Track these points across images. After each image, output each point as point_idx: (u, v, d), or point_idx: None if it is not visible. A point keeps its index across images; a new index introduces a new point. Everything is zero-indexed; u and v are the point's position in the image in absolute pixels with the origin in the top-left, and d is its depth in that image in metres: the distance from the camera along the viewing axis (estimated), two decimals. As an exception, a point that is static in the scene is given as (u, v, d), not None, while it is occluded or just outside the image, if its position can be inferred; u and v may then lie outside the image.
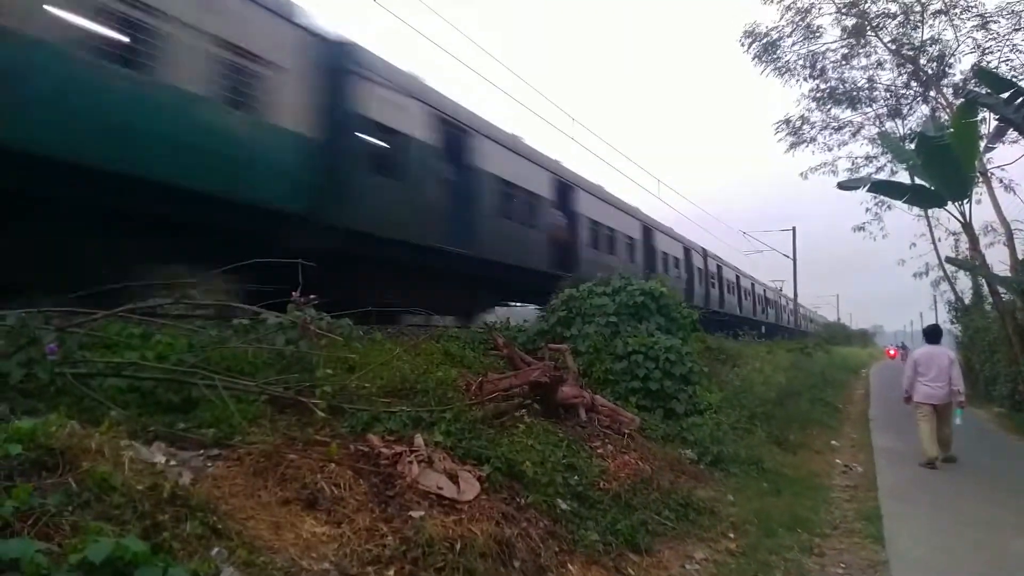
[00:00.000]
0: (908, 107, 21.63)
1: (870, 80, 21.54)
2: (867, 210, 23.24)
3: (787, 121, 22.72)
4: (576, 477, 5.16)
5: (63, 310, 4.22)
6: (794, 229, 41.23)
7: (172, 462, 3.29)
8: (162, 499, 2.66)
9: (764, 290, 43.29)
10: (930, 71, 19.89)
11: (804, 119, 22.51)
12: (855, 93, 21.74)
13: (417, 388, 5.72)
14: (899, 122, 21.95)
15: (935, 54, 19.47)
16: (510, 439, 5.24)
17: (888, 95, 21.61)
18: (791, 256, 40.33)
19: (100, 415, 3.57)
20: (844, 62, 21.17)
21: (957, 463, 9.18)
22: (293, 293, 4.92)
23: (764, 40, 20.88)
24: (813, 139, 22.73)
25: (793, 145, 22.82)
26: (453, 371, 6.69)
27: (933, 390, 9.06)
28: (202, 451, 3.58)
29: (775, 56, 21.13)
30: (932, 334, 9.94)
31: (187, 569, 2.30)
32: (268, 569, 2.71)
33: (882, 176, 21.18)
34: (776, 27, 20.66)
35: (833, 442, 11.62)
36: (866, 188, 16.38)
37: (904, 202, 16.26)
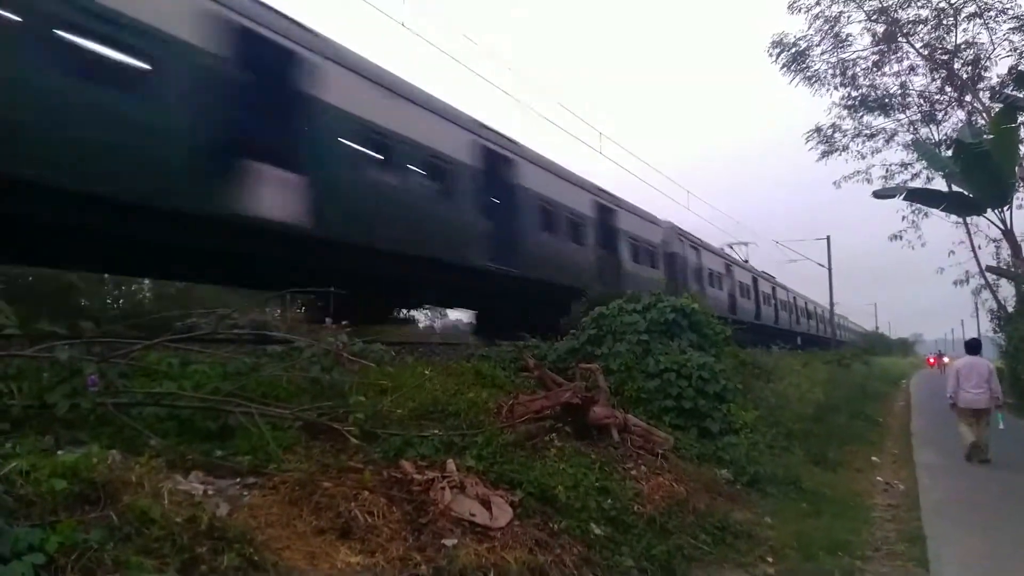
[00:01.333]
0: (943, 112, 21.31)
1: (903, 86, 21.26)
2: (903, 218, 22.80)
3: (818, 130, 22.50)
4: (610, 501, 5.11)
5: (104, 340, 4.34)
6: (828, 238, 40.49)
7: (210, 491, 3.35)
8: (200, 531, 2.71)
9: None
10: (965, 75, 19.56)
11: (836, 127, 22.26)
12: (887, 100, 21.45)
13: (449, 411, 5.76)
14: (934, 128, 21.61)
15: (970, 58, 19.17)
16: (542, 463, 5.22)
17: (922, 101, 21.30)
18: (826, 265, 39.59)
19: (140, 444, 3.66)
20: (875, 69, 20.96)
21: (1007, 481, 8.94)
22: (327, 319, 5.00)
23: (792, 50, 20.73)
24: (846, 147, 22.47)
25: (825, 154, 22.59)
26: (484, 392, 6.70)
27: (974, 396, 9.93)
28: (238, 479, 3.64)
29: (804, 65, 20.96)
30: (973, 346, 10.89)
31: (225, 603, 2.34)
32: (304, 601, 2.73)
33: (918, 183, 20.84)
34: (804, 36, 20.53)
35: (874, 458, 11.32)
36: (902, 196, 16.12)
37: (942, 210, 15.95)
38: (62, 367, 3.77)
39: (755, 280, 31.28)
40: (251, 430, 4.00)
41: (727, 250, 29.73)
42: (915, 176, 21.85)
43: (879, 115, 21.90)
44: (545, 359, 8.99)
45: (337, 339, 4.90)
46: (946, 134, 20.58)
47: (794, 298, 39.10)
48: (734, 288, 27.45)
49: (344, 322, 5.06)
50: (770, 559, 5.47)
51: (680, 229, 22.25)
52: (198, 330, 4.57)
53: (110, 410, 3.81)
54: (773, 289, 34.64)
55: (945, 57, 19.38)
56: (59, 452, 3.10)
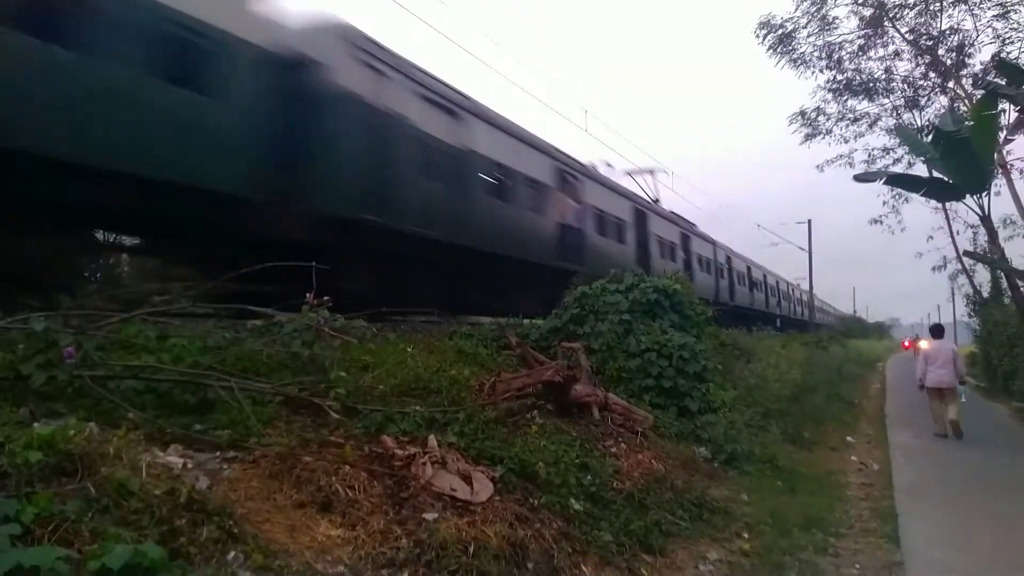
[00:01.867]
0: (926, 98, 21.38)
1: (887, 71, 21.29)
2: (884, 203, 23.01)
3: (802, 113, 22.51)
4: (589, 477, 5.17)
5: (81, 312, 4.27)
6: (809, 222, 40.90)
7: (189, 464, 3.33)
8: (179, 504, 2.70)
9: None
10: (949, 62, 19.63)
11: (820, 110, 22.29)
12: (872, 84, 21.48)
13: (431, 388, 5.76)
14: (917, 113, 21.71)
15: (954, 44, 19.22)
16: (523, 439, 5.25)
17: (906, 86, 21.36)
18: (807, 249, 39.98)
19: (118, 417, 3.62)
20: (861, 53, 20.94)
21: (977, 460, 9.18)
22: (307, 294, 4.96)
23: (779, 32, 20.67)
24: (829, 131, 22.50)
25: (808, 137, 22.61)
26: (466, 370, 6.71)
27: (939, 376, 11.01)
28: (218, 453, 3.62)
29: (790, 48, 20.92)
30: (937, 331, 12.15)
31: (204, 575, 2.33)
32: (284, 573, 2.74)
33: (899, 168, 20.98)
34: (791, 18, 20.47)
35: (849, 438, 11.54)
36: (883, 181, 16.22)
37: (921, 195, 16.09)
38: (38, 338, 3.71)
39: (685, 238, 24.09)
40: (231, 404, 3.97)
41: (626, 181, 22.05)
42: (897, 161, 21.97)
43: (863, 99, 21.93)
44: (527, 338, 9.01)
45: (319, 314, 4.87)
46: (928, 120, 20.66)
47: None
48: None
49: (325, 298, 5.01)
50: (746, 535, 5.58)
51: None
52: (177, 304, 4.52)
53: (87, 382, 3.76)
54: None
55: (930, 43, 19.43)
56: (35, 424, 3.06)
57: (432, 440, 4.53)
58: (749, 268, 34.21)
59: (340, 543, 3.18)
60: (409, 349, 6.82)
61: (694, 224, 25.87)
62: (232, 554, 2.64)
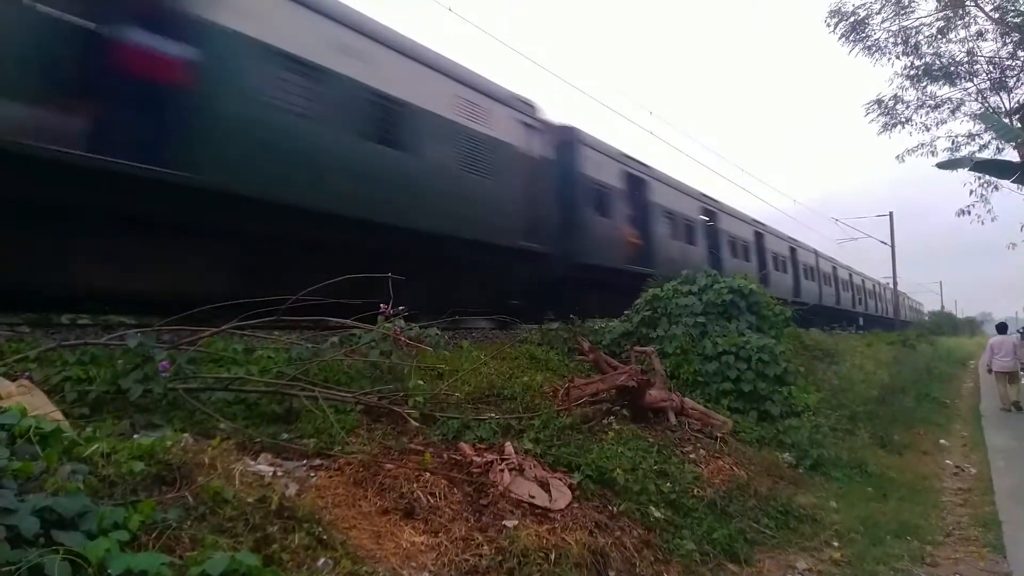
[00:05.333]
0: (1015, 79, 20.10)
1: (970, 53, 20.16)
2: (971, 192, 21.72)
3: (879, 102, 21.57)
4: (669, 484, 5.06)
5: (174, 328, 4.49)
6: (891, 215, 38.96)
7: (278, 472, 3.45)
8: (270, 511, 2.78)
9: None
10: (1040, 38, 18.44)
11: (897, 98, 21.29)
12: (953, 68, 20.38)
13: (504, 394, 5.79)
14: (1004, 96, 20.44)
15: (1046, 19, 18.03)
16: (599, 445, 5.20)
17: (991, 68, 20.17)
18: (888, 243, 38.15)
19: (210, 427, 3.79)
20: (940, 36, 19.90)
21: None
22: (382, 305, 5.06)
23: (851, 19, 19.90)
24: (908, 119, 21.47)
25: (886, 126, 21.63)
26: (539, 376, 6.71)
27: (1003, 363, 14.09)
28: (305, 461, 3.73)
29: (864, 35, 20.09)
30: (1002, 328, 15.39)
31: (297, 581, 2.40)
32: (371, 579, 2.78)
33: (986, 155, 19.80)
34: (864, 4, 19.67)
35: (942, 441, 10.93)
36: (969, 168, 15.34)
37: (1013, 181, 15.12)
38: (135, 354, 3.92)
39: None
40: (315, 413, 4.09)
41: None
42: (984, 147, 20.78)
43: (944, 84, 20.86)
44: (599, 342, 8.94)
45: (395, 324, 4.96)
46: (1019, 101, 19.52)
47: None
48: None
49: (401, 307, 5.11)
50: (836, 543, 5.35)
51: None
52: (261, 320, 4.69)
53: (181, 395, 3.95)
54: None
55: (1018, 19, 18.29)
56: (135, 435, 3.23)
57: (509, 447, 4.54)
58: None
59: (424, 550, 3.22)
60: (482, 356, 6.87)
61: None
62: (322, 560, 2.71)
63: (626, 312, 9.73)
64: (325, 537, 2.85)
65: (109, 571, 1.98)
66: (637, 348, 8.09)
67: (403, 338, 4.71)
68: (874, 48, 20.24)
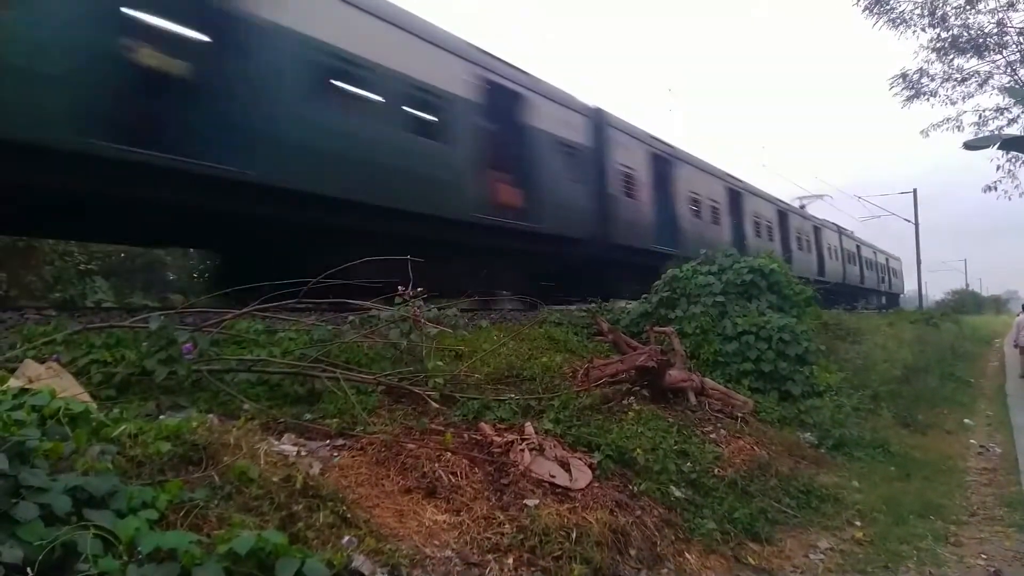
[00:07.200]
0: (1047, 51, 19.50)
1: (999, 24, 19.53)
2: (998, 168, 21.19)
3: (904, 75, 21.02)
4: (689, 464, 5.05)
5: (196, 311, 4.54)
6: (914, 192, 38.37)
7: (302, 452, 3.49)
8: (295, 490, 2.82)
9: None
10: (1074, 8, 17.86)
11: (923, 71, 20.75)
12: (981, 40, 19.79)
13: (524, 375, 5.79)
14: (1035, 69, 19.85)
15: (1080, -13, 17.45)
16: (619, 425, 5.20)
17: (1021, 39, 19.57)
18: (912, 221, 37.56)
19: (234, 408, 3.84)
20: (968, 6, 19.29)
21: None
22: (400, 287, 5.07)
23: (876, -11, 19.36)
24: (934, 92, 20.92)
25: (910, 99, 21.09)
26: (558, 357, 6.71)
27: None
28: (327, 441, 3.77)
29: (888, 7, 19.57)
30: None
31: (322, 559, 2.42)
32: (395, 557, 2.81)
33: (1015, 130, 19.32)
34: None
35: (966, 421, 10.79)
36: (996, 146, 15.02)
37: (1043, 157, 14.79)
38: (159, 336, 3.98)
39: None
40: (337, 394, 4.13)
41: None
42: (1012, 122, 20.20)
43: (972, 57, 20.28)
44: (618, 323, 8.91)
45: (413, 305, 4.98)
46: (1050, 75, 18.95)
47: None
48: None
49: (419, 289, 5.12)
50: (858, 523, 5.32)
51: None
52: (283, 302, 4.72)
53: (205, 376, 4.00)
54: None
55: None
56: (161, 416, 3.28)
57: (529, 427, 4.56)
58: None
59: (446, 528, 3.25)
60: (500, 336, 6.88)
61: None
62: (346, 538, 2.74)
63: (645, 295, 9.67)
64: (349, 516, 2.88)
65: (139, 549, 2.02)
66: (657, 328, 8.05)
67: (422, 319, 4.72)
68: (899, 20, 19.69)
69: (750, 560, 4.35)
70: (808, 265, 24.23)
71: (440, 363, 5.03)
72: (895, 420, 9.04)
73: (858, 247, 33.79)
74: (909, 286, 49.64)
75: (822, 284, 17.51)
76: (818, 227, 27.54)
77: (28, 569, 1.79)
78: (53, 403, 2.63)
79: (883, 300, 36.28)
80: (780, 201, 24.29)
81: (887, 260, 42.49)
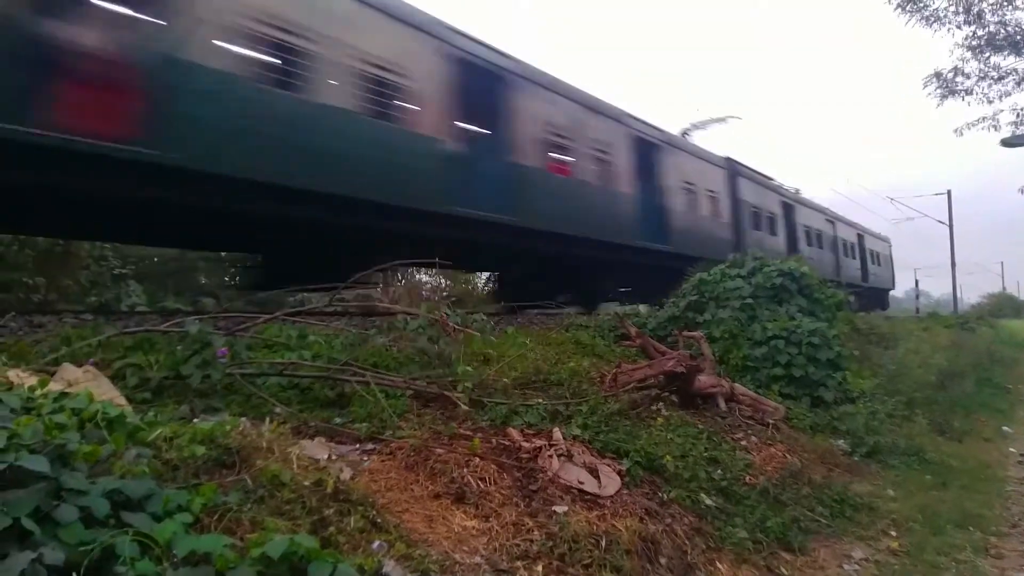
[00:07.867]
0: (1088, 48, 18.96)
1: (1038, 20, 19.05)
2: (1037, 167, 20.65)
3: (938, 75, 20.61)
4: (720, 471, 4.99)
5: (230, 315, 4.60)
6: (948, 193, 37.55)
7: (333, 456, 3.50)
8: (326, 494, 2.83)
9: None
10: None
11: (957, 70, 20.31)
12: (1020, 37, 19.32)
13: (551, 380, 5.77)
14: (1076, 66, 19.31)
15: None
16: (648, 432, 5.15)
17: (1062, 36, 19.05)
18: (947, 223, 36.76)
19: (266, 412, 3.87)
20: (1006, 2, 18.87)
21: None
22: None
23: (910, -13, 19.00)
24: (969, 91, 20.46)
25: (944, 96, 20.63)
26: (585, 361, 6.68)
27: None
28: (357, 445, 3.79)
29: (922, 4, 19.20)
30: None
31: (353, 563, 2.43)
32: (425, 562, 2.81)
33: (1056, 129, 18.80)
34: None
35: (1005, 428, 10.51)
36: (1035, 144, 14.66)
37: (1084, 157, 14.39)
38: (193, 340, 4.03)
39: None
40: (367, 398, 4.15)
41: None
42: (1053, 120, 19.71)
43: (1009, 54, 19.81)
44: (645, 327, 8.85)
45: (440, 310, 4.99)
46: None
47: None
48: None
49: (445, 293, 5.14)
50: (893, 533, 5.21)
51: None
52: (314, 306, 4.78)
53: (238, 379, 4.05)
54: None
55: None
56: (195, 420, 3.32)
57: (557, 432, 4.53)
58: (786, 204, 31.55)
59: (475, 534, 3.24)
60: (527, 341, 6.87)
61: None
62: (376, 543, 2.75)
63: (672, 298, 9.60)
64: (379, 520, 2.89)
65: (175, 552, 2.05)
66: (685, 333, 7.98)
67: (449, 323, 4.73)
68: (932, 18, 19.31)
69: (783, 570, 4.28)
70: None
71: (468, 368, 5.03)
72: (930, 427, 8.83)
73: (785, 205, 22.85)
74: (908, 284, 46.80)
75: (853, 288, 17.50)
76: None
77: (73, 573, 1.82)
78: (91, 406, 2.68)
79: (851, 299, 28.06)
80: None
81: (860, 238, 30.81)
